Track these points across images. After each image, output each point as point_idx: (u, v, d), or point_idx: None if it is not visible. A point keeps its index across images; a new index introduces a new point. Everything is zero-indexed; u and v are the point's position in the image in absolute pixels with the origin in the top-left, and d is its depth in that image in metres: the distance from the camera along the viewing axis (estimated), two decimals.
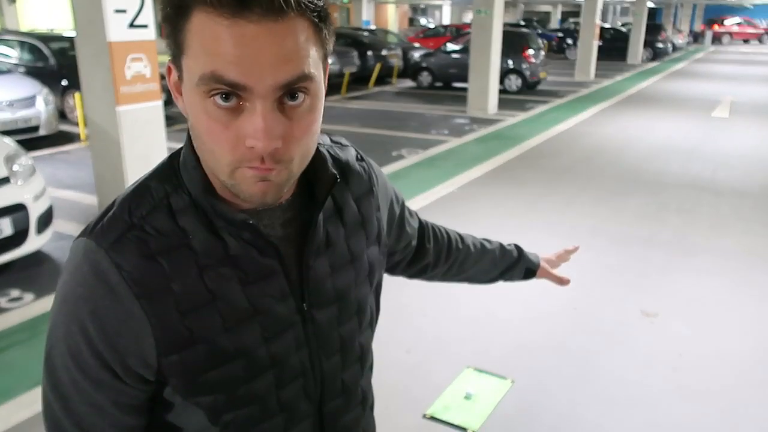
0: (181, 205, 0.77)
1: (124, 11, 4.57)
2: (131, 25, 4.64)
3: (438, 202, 5.91)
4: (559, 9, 37.90)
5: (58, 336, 0.78)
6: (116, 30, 4.54)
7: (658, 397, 2.96)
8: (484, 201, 5.99)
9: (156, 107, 4.98)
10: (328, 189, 0.82)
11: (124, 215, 0.76)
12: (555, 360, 3.27)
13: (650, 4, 33.36)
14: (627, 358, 3.31)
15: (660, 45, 23.88)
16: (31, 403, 2.84)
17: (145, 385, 0.77)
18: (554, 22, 37.77)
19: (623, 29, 24.70)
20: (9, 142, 4.41)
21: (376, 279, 0.99)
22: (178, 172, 0.80)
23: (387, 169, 7.03)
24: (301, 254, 0.82)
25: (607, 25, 28.65)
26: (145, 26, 4.74)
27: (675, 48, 28.01)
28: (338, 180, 0.82)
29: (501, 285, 4.26)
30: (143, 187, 0.80)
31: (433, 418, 2.76)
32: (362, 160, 0.96)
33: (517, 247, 1.41)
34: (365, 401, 1.00)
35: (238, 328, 0.77)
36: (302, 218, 0.83)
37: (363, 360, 0.96)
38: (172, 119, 10.11)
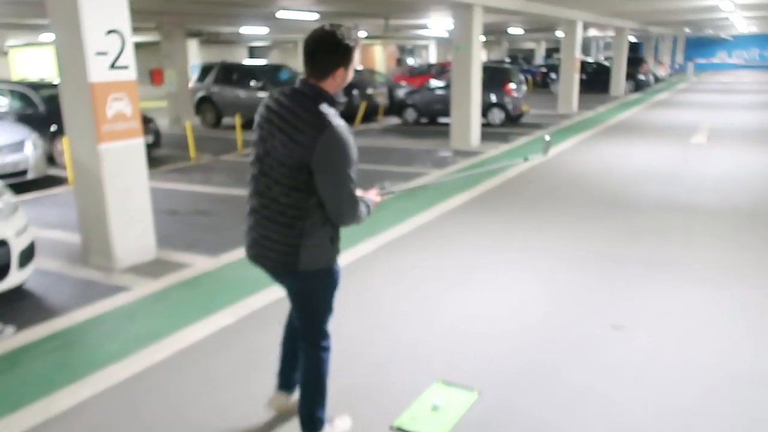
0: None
1: (105, 53, 4.75)
2: (112, 67, 4.82)
3: (415, 230, 6.03)
4: (543, 46, 38.80)
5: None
6: (98, 71, 4.71)
7: (620, 405, 3.03)
8: (460, 227, 6.12)
9: (137, 144, 5.12)
10: None
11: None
12: (522, 373, 3.34)
13: (632, 39, 34.29)
14: (592, 369, 3.38)
15: (642, 77, 24.47)
16: (7, 428, 2.90)
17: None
18: (539, 58, 38.61)
19: (606, 63, 25.29)
20: None
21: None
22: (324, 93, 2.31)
23: None
24: None
25: (590, 59, 29.36)
26: (126, 67, 4.91)
27: (657, 79, 28.67)
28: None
29: (476, 302, 4.47)
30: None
31: (399, 429, 2.83)
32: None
33: None
34: None
35: None
36: None
37: None
38: (161, 161, 10.31)
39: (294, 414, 2.77)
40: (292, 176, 2.29)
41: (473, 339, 3.74)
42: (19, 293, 4.55)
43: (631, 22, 21.90)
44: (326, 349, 2.61)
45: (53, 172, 9.10)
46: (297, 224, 2.34)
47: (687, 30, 31.50)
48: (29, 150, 8.27)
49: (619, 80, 22.79)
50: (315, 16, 15.20)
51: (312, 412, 2.62)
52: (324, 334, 2.61)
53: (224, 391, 3.20)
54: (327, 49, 2.30)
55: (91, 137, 4.85)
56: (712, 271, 4.79)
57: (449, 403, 3.01)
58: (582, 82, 22.62)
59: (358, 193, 2.38)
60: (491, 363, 3.44)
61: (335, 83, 2.34)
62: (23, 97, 10.40)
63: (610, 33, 24.96)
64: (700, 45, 41.33)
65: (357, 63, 2.40)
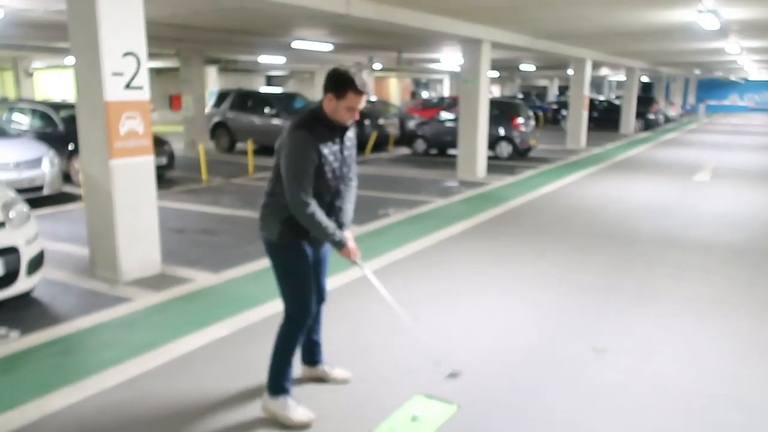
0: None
1: (121, 74, 5.01)
2: (127, 87, 5.07)
3: (413, 255, 6.17)
4: (556, 83, 39.27)
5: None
6: (113, 90, 4.97)
7: (593, 422, 3.12)
8: (456, 254, 6.25)
9: (147, 162, 5.35)
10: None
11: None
12: (502, 390, 3.45)
13: (644, 79, 34.63)
14: (571, 387, 3.48)
15: (651, 116, 24.70)
16: (5, 423, 3.04)
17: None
18: (552, 96, 39.03)
19: (616, 102, 25.57)
20: (9, 192, 4.77)
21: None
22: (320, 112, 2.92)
23: (371, 226, 7.35)
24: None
25: (601, 98, 29.67)
26: (140, 88, 5.17)
27: (668, 119, 28.89)
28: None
29: (464, 324, 4.61)
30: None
31: None
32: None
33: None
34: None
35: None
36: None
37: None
38: (173, 182, 10.58)
39: (324, 382, 3.41)
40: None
41: (457, 358, 3.85)
42: (26, 300, 4.74)
43: (641, 62, 22.20)
44: (288, 326, 3.04)
45: (68, 189, 9.38)
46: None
47: (697, 72, 31.77)
48: (46, 167, 8.56)
49: (628, 119, 23.02)
50: (329, 47, 15.62)
51: (272, 376, 3.07)
52: (289, 311, 3.04)
53: (213, 397, 3.32)
54: (328, 77, 2.88)
55: (103, 153, 5.08)
56: (698, 303, 4.87)
57: (428, 414, 3.11)
58: (593, 119, 22.96)
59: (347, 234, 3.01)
60: (473, 380, 3.54)
61: (328, 106, 2.90)
62: (44, 117, 10.78)
63: (622, 73, 25.28)
64: (712, 87, 41.57)
65: (354, 103, 2.85)
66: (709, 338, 4.21)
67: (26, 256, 4.42)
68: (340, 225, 3.06)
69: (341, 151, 2.99)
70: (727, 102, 42.07)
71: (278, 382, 3.07)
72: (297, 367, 3.35)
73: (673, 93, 37.69)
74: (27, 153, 8.56)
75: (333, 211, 3.04)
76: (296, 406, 3.06)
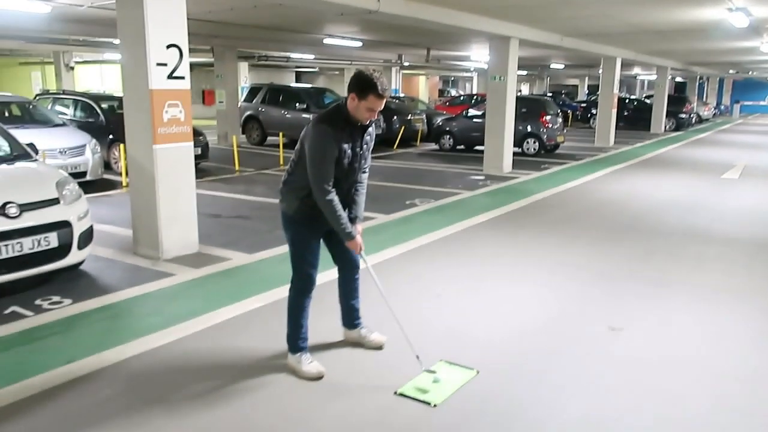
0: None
1: (165, 65, 5.33)
2: (170, 77, 5.39)
3: (439, 241, 6.40)
4: (586, 82, 38.96)
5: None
6: (157, 80, 5.29)
7: (605, 389, 3.32)
8: (480, 241, 6.45)
9: (187, 148, 5.67)
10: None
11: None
12: (519, 360, 3.66)
13: (678, 78, 34.19)
14: (585, 360, 3.67)
15: (683, 116, 24.45)
16: (64, 374, 3.36)
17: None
18: (582, 95, 38.75)
19: (647, 101, 25.36)
20: (61, 172, 5.13)
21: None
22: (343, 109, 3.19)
23: (398, 215, 7.59)
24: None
25: (632, 97, 29.43)
26: (182, 78, 5.49)
27: (701, 119, 28.54)
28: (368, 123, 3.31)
29: (486, 303, 4.87)
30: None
31: (402, 395, 3.18)
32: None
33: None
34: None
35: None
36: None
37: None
38: (207, 172, 10.95)
39: (365, 346, 3.73)
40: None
41: (479, 331, 4.07)
42: (76, 272, 5.09)
43: (672, 62, 22.00)
44: (293, 290, 3.43)
45: (109, 176, 9.82)
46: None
47: (732, 71, 31.27)
48: (89, 154, 9.00)
49: (659, 118, 22.84)
50: (358, 44, 15.90)
51: (288, 336, 3.46)
52: (294, 277, 3.42)
53: (248, 360, 3.60)
54: (353, 78, 3.16)
55: (147, 139, 5.41)
56: (716, 292, 4.99)
57: (449, 377, 3.34)
58: (623, 118, 22.85)
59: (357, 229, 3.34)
60: (492, 351, 3.76)
61: (351, 104, 3.17)
62: (86, 108, 11.28)
63: (654, 72, 25.07)
64: (748, 87, 40.78)
65: (373, 104, 3.12)
66: (724, 323, 4.35)
67: (78, 230, 4.77)
68: (352, 219, 3.39)
69: (359, 146, 3.30)
70: (764, 103, 41.21)
71: (293, 341, 3.46)
72: (338, 330, 3.82)
73: (707, 93, 37.13)
74: (71, 141, 9.01)
75: (347, 202, 3.36)
76: (309, 362, 3.41)
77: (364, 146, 3.34)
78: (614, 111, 17.80)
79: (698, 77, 31.64)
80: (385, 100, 3.16)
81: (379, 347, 3.72)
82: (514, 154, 12.40)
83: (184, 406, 3.07)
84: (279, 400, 3.17)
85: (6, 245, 4.27)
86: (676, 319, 4.39)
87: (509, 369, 3.53)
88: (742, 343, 3.99)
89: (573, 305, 4.63)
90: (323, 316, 3.90)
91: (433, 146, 15.98)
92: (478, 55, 20.48)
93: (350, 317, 3.77)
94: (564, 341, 3.95)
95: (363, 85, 3.09)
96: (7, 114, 9.40)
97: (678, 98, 25.57)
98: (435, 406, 3.09)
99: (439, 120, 16.74)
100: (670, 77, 24.28)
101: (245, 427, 2.92)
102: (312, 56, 20.15)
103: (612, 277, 5.30)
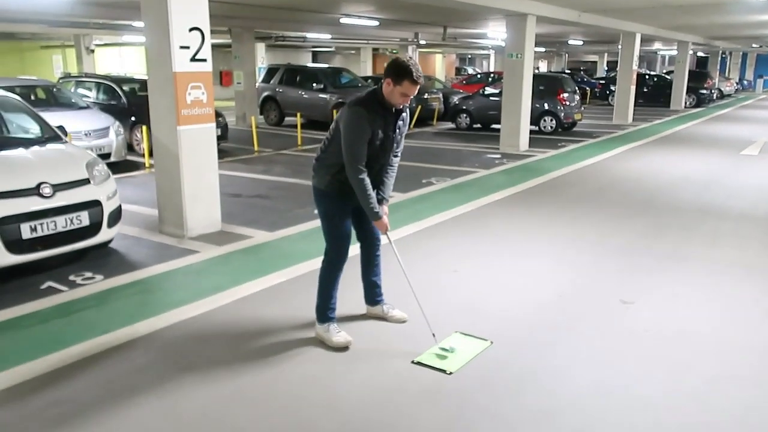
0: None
1: (187, 47, 5.47)
2: (193, 59, 5.54)
3: (455, 218, 6.52)
4: (605, 58, 38.41)
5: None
6: (181, 62, 5.44)
7: (616, 360, 3.45)
8: (495, 218, 6.57)
9: (210, 128, 5.83)
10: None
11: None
12: (532, 331, 3.80)
13: (700, 53, 33.58)
14: (596, 331, 3.80)
15: (704, 92, 24.10)
16: (100, 345, 3.58)
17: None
18: (601, 71, 38.27)
19: (667, 77, 25.03)
20: (91, 153, 5.33)
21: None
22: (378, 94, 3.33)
23: (415, 194, 7.71)
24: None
25: (652, 73, 29.02)
26: (204, 60, 5.63)
27: (723, 95, 28.09)
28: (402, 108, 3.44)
29: (500, 277, 5.00)
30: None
31: (419, 363, 3.34)
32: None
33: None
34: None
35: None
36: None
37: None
38: (227, 153, 11.13)
39: (388, 322, 3.88)
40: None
41: (493, 304, 4.21)
42: (106, 250, 5.31)
43: (694, 36, 21.65)
44: (326, 261, 3.62)
45: (132, 158, 10.05)
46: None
47: (756, 46, 30.63)
48: (112, 136, 9.22)
49: (679, 94, 22.57)
50: (375, 23, 15.89)
51: (318, 306, 3.64)
52: (327, 249, 3.60)
53: (272, 331, 3.78)
54: (390, 65, 3.30)
55: (171, 120, 5.57)
56: (729, 266, 5.07)
57: (464, 347, 3.50)
58: (642, 95, 22.60)
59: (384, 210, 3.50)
60: (506, 323, 3.90)
61: (386, 89, 3.32)
62: (108, 90, 11.48)
63: (675, 47, 24.69)
64: None
65: (408, 90, 3.26)
66: (736, 297, 4.44)
67: (107, 209, 4.97)
68: (380, 200, 3.53)
69: (392, 130, 3.44)
70: None
71: (322, 312, 3.63)
72: (361, 306, 3.99)
73: (729, 68, 36.45)
74: (95, 123, 9.22)
75: (377, 183, 3.50)
76: (337, 332, 3.59)
77: (397, 130, 3.48)
78: (633, 88, 17.64)
79: (720, 52, 31.06)
80: (418, 87, 3.29)
81: (402, 322, 3.87)
82: (531, 132, 12.41)
83: (213, 374, 3.26)
84: (302, 367, 3.35)
85: (41, 224, 4.49)
86: (688, 292, 4.49)
87: (522, 340, 3.67)
88: (752, 316, 4.08)
89: (586, 279, 4.75)
90: (345, 290, 4.05)
91: (450, 125, 16.01)
92: (495, 33, 20.33)
93: (372, 294, 3.92)
94: (576, 314, 4.08)
95: (399, 71, 3.23)
96: (33, 97, 9.63)
97: (699, 74, 25.20)
98: (450, 373, 3.25)
99: (455, 99, 16.74)
100: (691, 52, 23.91)
101: (271, 391, 3.11)
102: (328, 36, 20.16)
103: (625, 252, 5.39)
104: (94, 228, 4.86)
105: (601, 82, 27.52)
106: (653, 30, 17.71)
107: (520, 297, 4.36)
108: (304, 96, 15.55)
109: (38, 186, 4.55)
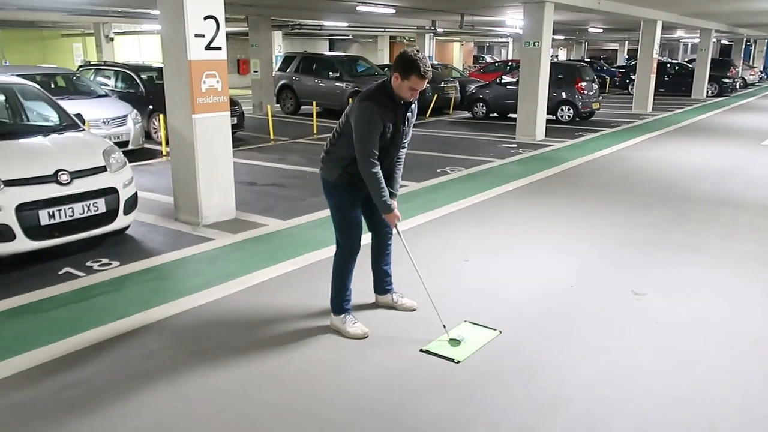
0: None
1: (202, 36, 5.50)
2: (207, 47, 5.57)
3: (468, 208, 6.51)
4: (626, 46, 37.86)
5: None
6: (195, 51, 5.47)
7: (625, 349, 3.44)
8: (510, 208, 6.55)
9: (224, 117, 5.86)
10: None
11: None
12: (542, 321, 3.80)
13: (724, 41, 32.94)
14: (606, 322, 3.80)
15: (727, 80, 23.68)
16: (116, 329, 3.65)
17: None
18: (622, 60, 37.74)
19: (689, 65, 24.62)
20: (108, 141, 5.40)
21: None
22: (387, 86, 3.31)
23: (429, 183, 7.71)
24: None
25: (674, 61, 28.57)
26: (219, 48, 5.66)
27: (746, 84, 27.59)
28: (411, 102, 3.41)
29: (511, 267, 5.00)
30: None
31: (427, 352, 3.37)
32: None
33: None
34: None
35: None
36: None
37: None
38: (242, 141, 11.20)
39: (398, 310, 3.92)
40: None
41: (503, 293, 4.22)
42: (122, 236, 5.40)
43: (716, 24, 21.24)
44: (338, 253, 3.63)
45: (149, 146, 10.15)
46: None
47: None
48: (130, 124, 9.33)
49: (701, 83, 22.21)
50: (392, 11, 15.81)
51: (332, 298, 3.67)
52: (339, 241, 3.62)
53: (284, 318, 3.83)
54: (398, 59, 3.28)
55: (187, 108, 5.62)
56: (743, 257, 5.01)
57: (472, 336, 3.51)
58: (663, 84, 22.27)
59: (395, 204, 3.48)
60: (515, 313, 3.91)
61: (394, 83, 3.30)
62: (126, 78, 11.59)
63: (698, 35, 24.27)
64: None
65: (416, 84, 3.24)
66: (748, 288, 4.40)
67: (123, 196, 5.04)
68: (390, 194, 3.55)
69: (402, 122, 3.43)
70: None
71: (337, 303, 3.65)
72: (371, 295, 4.01)
73: (753, 56, 35.73)
74: (113, 111, 9.33)
75: (387, 177, 3.50)
76: (353, 323, 3.61)
77: (406, 122, 3.48)
78: (653, 76, 17.39)
79: (744, 40, 30.47)
80: (427, 81, 3.28)
81: (411, 310, 3.90)
82: (548, 121, 12.32)
83: (225, 359, 3.32)
84: (313, 353, 3.39)
85: (59, 210, 4.57)
86: (702, 284, 4.45)
87: (532, 330, 3.68)
88: (765, 308, 4.04)
89: (598, 270, 4.73)
90: (354, 280, 4.08)
91: (466, 114, 15.93)
92: (513, 21, 20.12)
93: (382, 283, 3.94)
94: (587, 305, 4.07)
95: (406, 65, 3.21)
96: (53, 85, 9.76)
97: (722, 62, 24.77)
98: (458, 362, 3.27)
99: (472, 87, 16.63)
100: (714, 40, 23.48)
101: (282, 376, 3.15)
102: (345, 24, 20.15)
103: (640, 243, 5.35)
104: (110, 215, 4.94)
105: (621, 70, 27.18)
106: (675, 17, 17.41)
107: (530, 287, 4.36)
108: (321, 84, 15.56)
109: (56, 173, 4.63)
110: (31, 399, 2.94)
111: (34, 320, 3.80)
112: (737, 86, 25.30)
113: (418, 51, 3.30)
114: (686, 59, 32.26)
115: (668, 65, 24.73)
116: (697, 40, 25.11)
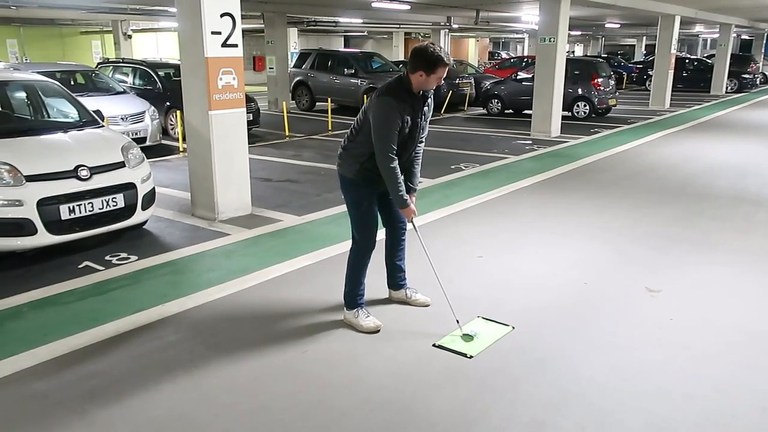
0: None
1: (219, 33, 5.56)
2: (224, 45, 5.63)
3: (482, 204, 6.52)
4: (644, 42, 37.46)
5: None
6: (212, 48, 5.53)
7: (637, 346, 3.45)
8: (524, 204, 6.55)
9: (240, 113, 5.93)
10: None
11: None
12: (555, 317, 3.81)
13: (744, 36, 32.48)
14: (619, 318, 3.80)
15: (747, 76, 23.37)
16: (134, 322, 3.72)
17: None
18: (639, 55, 37.37)
19: (708, 61, 24.33)
20: (126, 137, 5.49)
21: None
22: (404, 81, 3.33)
23: (444, 179, 7.72)
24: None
25: (692, 57, 28.23)
26: (235, 45, 5.72)
27: (767, 80, 27.18)
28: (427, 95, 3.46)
29: (524, 263, 5.01)
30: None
31: (440, 347, 3.40)
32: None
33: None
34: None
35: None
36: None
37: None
38: (258, 137, 11.28)
39: (411, 306, 3.94)
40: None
41: (516, 289, 4.23)
42: (140, 232, 5.48)
43: (736, 18, 20.95)
44: (354, 248, 3.68)
45: (166, 142, 10.27)
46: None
47: None
48: (148, 120, 9.44)
49: (720, 79, 21.93)
50: (406, 7, 15.81)
51: (346, 293, 3.71)
52: (355, 237, 3.65)
53: (298, 312, 3.88)
54: (420, 58, 3.26)
55: (203, 105, 5.69)
56: (760, 255, 4.98)
57: (485, 332, 3.54)
58: (681, 79, 22.03)
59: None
60: (528, 309, 3.92)
61: (418, 80, 3.30)
62: (144, 75, 11.72)
63: (717, 30, 23.95)
64: None
65: (442, 73, 3.28)
66: (765, 286, 4.36)
67: (141, 192, 5.13)
68: (409, 190, 3.58)
69: (420, 116, 3.46)
70: None
71: (351, 298, 3.70)
72: (384, 290, 4.04)
73: None
74: (131, 108, 9.45)
75: (405, 173, 3.53)
76: (367, 317, 3.65)
77: (423, 116, 3.51)
78: (671, 72, 17.21)
79: (766, 34, 29.99)
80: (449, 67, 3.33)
81: (425, 306, 3.93)
82: (564, 118, 12.25)
83: (240, 352, 3.37)
84: (326, 346, 3.44)
85: (79, 205, 4.66)
86: (716, 281, 4.43)
87: (544, 326, 3.69)
88: None
89: (612, 267, 4.73)
90: (368, 275, 4.12)
91: (481, 111, 15.89)
92: (528, 16, 20.01)
93: (396, 278, 3.98)
94: (600, 301, 4.08)
95: (431, 60, 3.23)
96: (72, 82, 9.89)
97: (742, 57, 24.43)
98: (471, 357, 3.29)
99: (487, 84, 16.58)
100: (734, 35, 23.17)
101: (295, 369, 3.20)
102: (360, 20, 20.16)
103: (655, 240, 5.33)
104: (129, 210, 5.02)
105: (638, 66, 26.91)
106: (693, 12, 17.20)
107: (544, 283, 4.37)
108: (336, 81, 15.61)
109: (76, 168, 4.72)
110: (54, 388, 3.02)
111: (56, 312, 3.88)
112: (757, 82, 24.95)
113: (432, 43, 3.32)
114: (705, 55, 31.83)
115: (687, 61, 24.45)
116: (716, 36, 24.78)
